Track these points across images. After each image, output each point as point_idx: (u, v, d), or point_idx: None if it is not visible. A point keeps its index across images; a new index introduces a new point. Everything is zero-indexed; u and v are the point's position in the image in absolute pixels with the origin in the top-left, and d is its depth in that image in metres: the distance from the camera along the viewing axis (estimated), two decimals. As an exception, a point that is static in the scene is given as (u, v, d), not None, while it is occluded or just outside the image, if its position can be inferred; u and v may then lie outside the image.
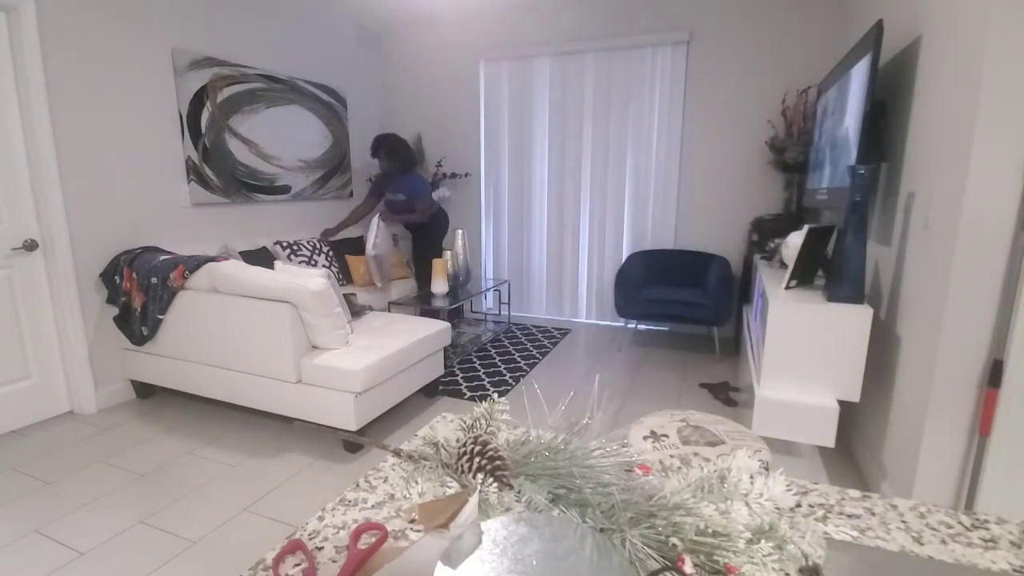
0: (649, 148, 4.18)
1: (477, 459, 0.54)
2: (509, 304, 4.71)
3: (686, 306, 3.59)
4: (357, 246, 4.31)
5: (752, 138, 3.86)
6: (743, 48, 3.79)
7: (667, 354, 3.80)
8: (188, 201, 3.22)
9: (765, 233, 3.44)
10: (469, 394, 3.06)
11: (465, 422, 0.65)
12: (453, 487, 0.57)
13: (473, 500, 0.47)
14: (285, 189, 3.93)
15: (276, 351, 2.39)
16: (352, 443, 2.45)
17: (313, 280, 2.33)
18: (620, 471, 0.56)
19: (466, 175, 4.78)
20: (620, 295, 3.81)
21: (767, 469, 0.62)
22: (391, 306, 3.70)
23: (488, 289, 4.46)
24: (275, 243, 3.57)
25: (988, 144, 1.47)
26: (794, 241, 2.29)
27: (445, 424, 0.88)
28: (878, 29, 1.95)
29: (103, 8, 2.74)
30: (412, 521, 0.62)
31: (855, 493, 0.66)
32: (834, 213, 2.74)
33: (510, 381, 3.24)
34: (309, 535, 0.61)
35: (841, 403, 1.99)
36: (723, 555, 0.46)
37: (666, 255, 4.10)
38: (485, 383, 3.21)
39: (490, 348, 3.87)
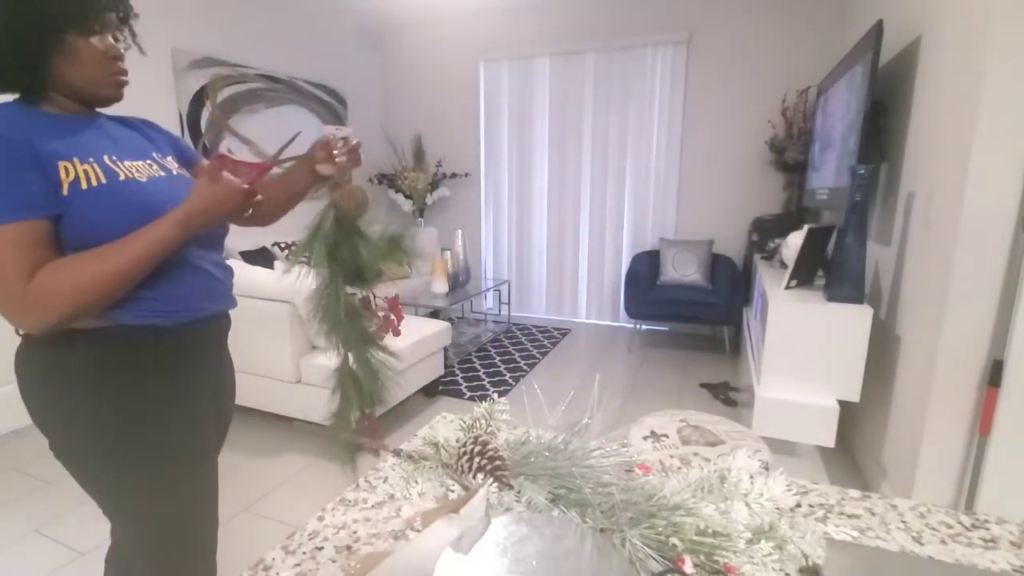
0: (649, 148, 4.18)
1: (477, 459, 0.54)
2: (509, 304, 4.71)
3: (697, 306, 3.59)
4: (357, 246, 4.30)
5: (752, 138, 3.86)
6: (743, 48, 3.79)
7: (667, 354, 3.80)
8: (188, 201, 3.21)
9: (765, 233, 3.44)
10: (469, 394, 3.05)
11: (465, 422, 0.65)
12: (454, 488, 0.57)
13: (482, 492, 0.47)
14: (285, 189, 3.93)
15: (276, 351, 2.39)
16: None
17: (313, 280, 2.33)
18: (620, 471, 0.56)
19: (466, 175, 4.78)
20: (630, 295, 3.81)
21: (767, 469, 0.62)
22: (391, 306, 3.70)
23: (488, 289, 4.46)
24: (274, 243, 3.57)
25: (988, 144, 1.47)
26: (794, 241, 2.29)
27: (445, 424, 0.88)
28: (878, 29, 1.95)
29: (103, 8, 2.74)
30: (415, 529, 0.62)
31: (855, 493, 0.66)
32: (834, 213, 2.74)
33: (510, 381, 3.24)
34: (309, 535, 0.61)
35: (841, 403, 1.99)
36: (723, 555, 0.46)
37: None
38: (485, 383, 3.21)
39: (490, 348, 3.87)
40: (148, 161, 0.90)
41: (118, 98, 0.87)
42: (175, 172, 0.94)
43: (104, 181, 0.79)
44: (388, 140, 4.94)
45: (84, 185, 0.77)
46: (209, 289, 0.94)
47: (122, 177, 0.82)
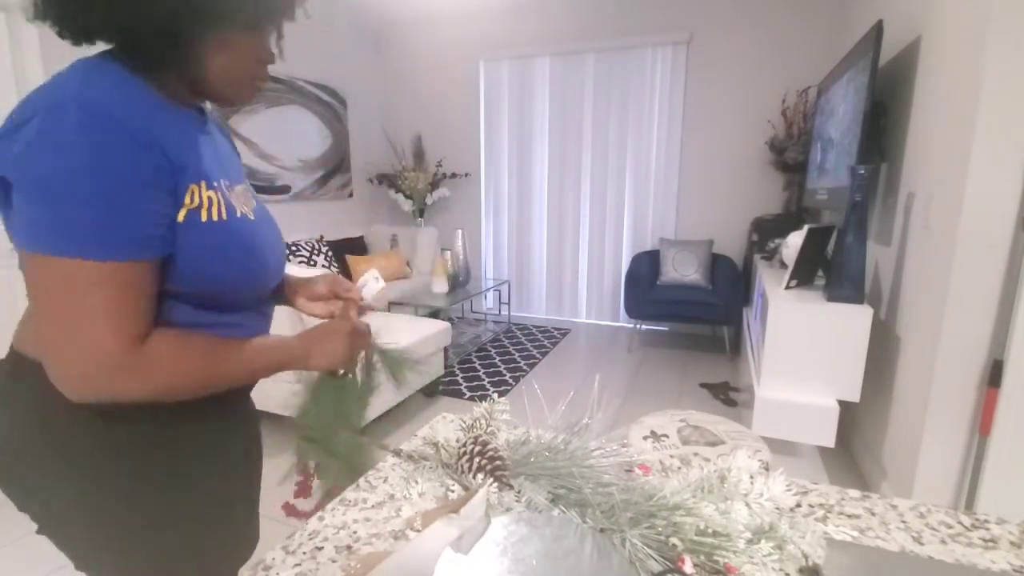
0: (649, 148, 4.19)
1: (477, 459, 0.54)
2: (509, 304, 4.71)
3: (697, 306, 3.59)
4: (357, 246, 4.31)
5: (752, 138, 3.86)
6: (743, 48, 3.79)
7: (667, 354, 3.80)
8: (188, 201, 3.21)
9: (765, 233, 3.44)
10: (469, 394, 3.05)
11: (465, 422, 0.65)
12: (454, 488, 0.57)
13: (482, 492, 0.47)
14: (285, 189, 3.93)
15: (276, 351, 2.39)
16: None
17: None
18: (620, 471, 0.56)
19: (466, 175, 4.78)
20: (630, 295, 3.81)
21: (767, 469, 0.62)
22: (391, 306, 3.70)
23: (488, 289, 4.46)
24: (275, 243, 3.57)
25: (988, 144, 1.47)
26: (794, 241, 2.29)
27: (445, 424, 0.88)
28: (878, 29, 1.95)
29: (103, 8, 2.73)
30: (415, 529, 0.62)
31: (855, 493, 0.66)
32: (834, 213, 2.74)
33: (510, 381, 3.24)
34: (309, 535, 0.61)
35: (841, 403, 1.99)
36: (723, 555, 0.46)
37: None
38: (485, 383, 3.21)
39: (490, 348, 3.88)
40: (244, 186, 0.73)
41: (245, 104, 0.71)
42: (260, 203, 0.79)
43: (224, 217, 0.63)
44: (388, 140, 4.94)
45: (204, 217, 0.61)
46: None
47: (238, 213, 0.66)
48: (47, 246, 0.52)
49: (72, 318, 0.53)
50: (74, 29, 0.57)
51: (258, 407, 2.53)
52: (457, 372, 3.38)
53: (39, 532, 0.67)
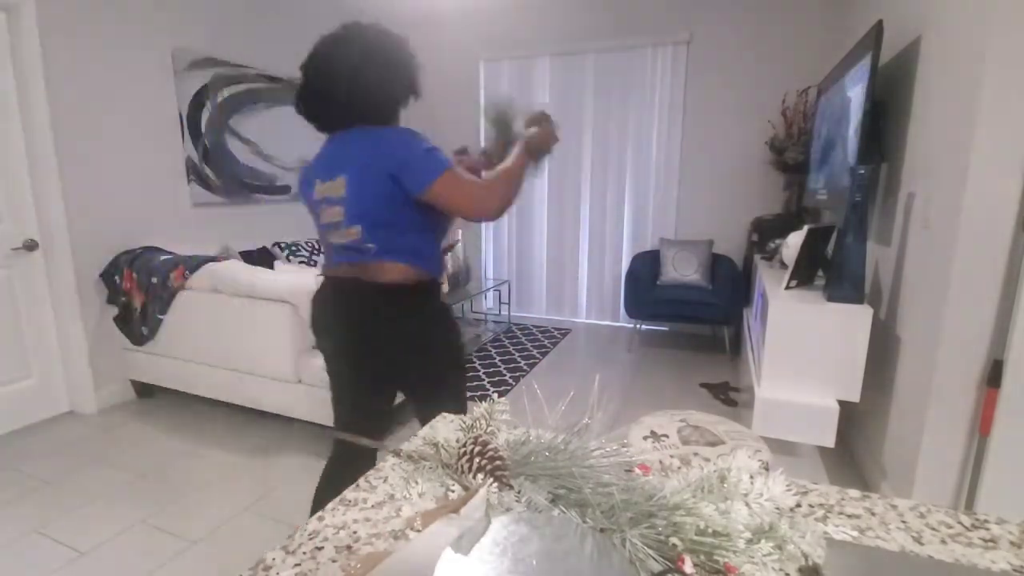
0: (649, 148, 4.19)
1: (477, 459, 0.54)
2: (509, 304, 4.71)
3: (697, 306, 3.59)
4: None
5: (752, 138, 3.86)
6: (743, 48, 3.79)
7: (667, 354, 3.80)
8: (188, 201, 3.22)
9: (765, 233, 3.44)
10: (469, 394, 3.05)
11: (465, 422, 0.65)
12: (454, 488, 0.57)
13: (482, 492, 0.47)
14: (285, 189, 3.93)
15: (276, 351, 2.39)
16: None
17: (313, 280, 2.33)
18: (620, 471, 0.56)
19: (466, 175, 4.78)
20: (630, 295, 3.81)
21: (767, 469, 0.62)
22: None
23: (488, 289, 4.46)
24: (274, 244, 3.57)
25: (988, 144, 1.47)
26: (794, 241, 2.29)
27: (445, 424, 0.88)
28: (878, 29, 1.95)
29: (103, 8, 2.74)
30: (415, 529, 0.62)
31: (855, 493, 0.66)
32: (834, 213, 2.74)
33: (510, 381, 3.24)
34: (309, 535, 0.61)
35: (841, 403, 1.99)
36: (723, 555, 0.46)
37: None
38: (485, 383, 3.21)
39: (490, 348, 3.87)
40: None
41: None
42: None
43: None
44: (388, 140, 4.94)
45: None
46: None
47: None
48: (438, 171, 1.18)
49: (468, 190, 1.19)
50: (337, 123, 1.32)
51: (259, 408, 2.54)
52: (457, 372, 3.38)
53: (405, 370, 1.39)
